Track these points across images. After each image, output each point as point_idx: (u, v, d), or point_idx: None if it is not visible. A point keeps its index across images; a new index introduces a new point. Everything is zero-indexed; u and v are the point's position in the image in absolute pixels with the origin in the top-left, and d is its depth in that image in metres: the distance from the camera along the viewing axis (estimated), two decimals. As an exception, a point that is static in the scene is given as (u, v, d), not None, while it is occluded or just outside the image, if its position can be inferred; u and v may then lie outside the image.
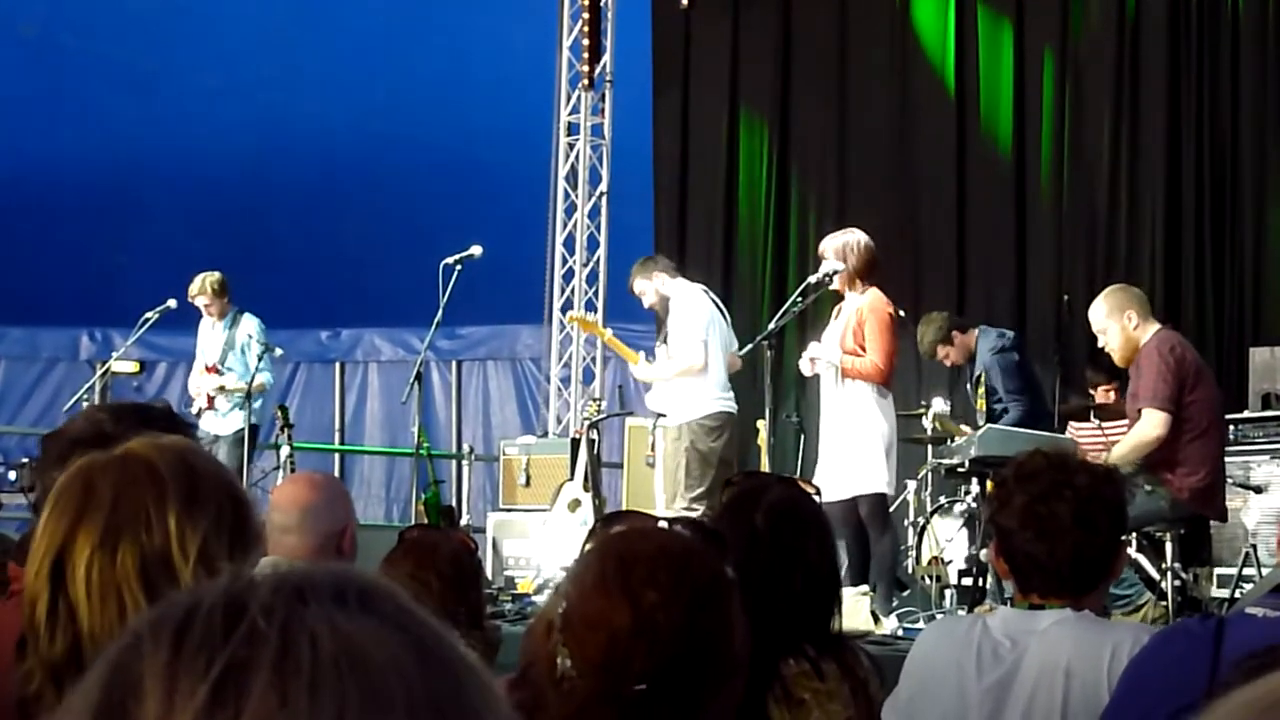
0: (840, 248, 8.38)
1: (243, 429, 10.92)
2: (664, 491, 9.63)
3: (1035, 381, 10.15)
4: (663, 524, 2.41)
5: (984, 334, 10.21)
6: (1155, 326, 7.48)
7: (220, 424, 10.93)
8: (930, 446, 10.30)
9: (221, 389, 10.93)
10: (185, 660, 0.85)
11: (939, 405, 9.26)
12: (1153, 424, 7.25)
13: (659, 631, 2.12)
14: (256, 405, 11.06)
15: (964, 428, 9.55)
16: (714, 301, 9.71)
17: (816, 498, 3.42)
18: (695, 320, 9.45)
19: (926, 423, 8.98)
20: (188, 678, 0.85)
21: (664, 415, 9.58)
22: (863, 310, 8.29)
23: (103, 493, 2.12)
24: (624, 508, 11.05)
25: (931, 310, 10.99)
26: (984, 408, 9.87)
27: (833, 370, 8.35)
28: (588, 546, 2.31)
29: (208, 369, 11.08)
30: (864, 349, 8.24)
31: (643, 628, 2.12)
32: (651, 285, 9.65)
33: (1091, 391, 10.07)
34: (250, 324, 11.16)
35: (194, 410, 10.89)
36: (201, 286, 11.10)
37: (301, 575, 0.91)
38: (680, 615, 2.14)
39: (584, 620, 2.14)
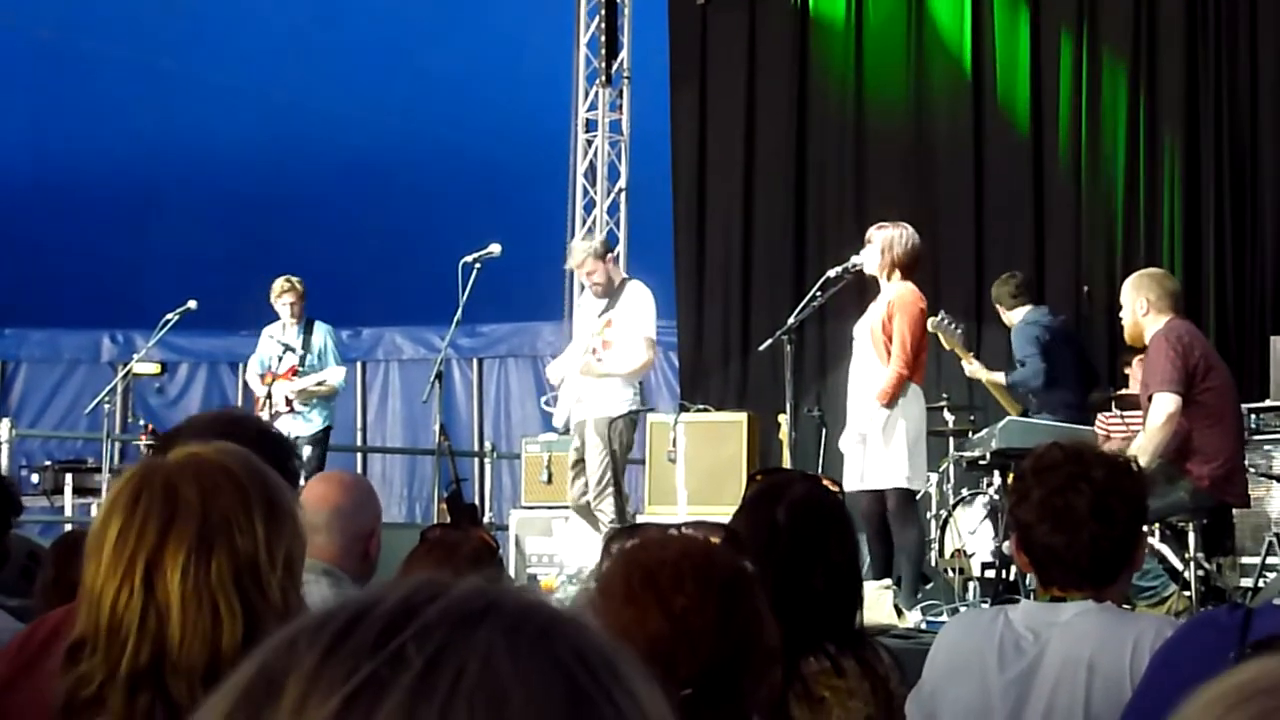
0: (888, 237, 8.42)
1: (322, 429, 11.14)
2: (586, 487, 9.66)
3: (1061, 365, 10.08)
4: (673, 530, 2.41)
5: (1031, 310, 10.28)
6: (1167, 318, 7.46)
7: (301, 426, 11.01)
8: (951, 439, 10.31)
9: (303, 391, 11.01)
10: (330, 666, 0.86)
11: (947, 321, 9.24)
12: (1161, 407, 7.23)
13: (695, 634, 2.13)
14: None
15: (971, 357, 9.88)
16: None
17: (839, 494, 3.42)
18: (650, 319, 9.63)
19: (931, 325, 8.93)
20: (328, 683, 0.85)
21: (579, 403, 9.57)
22: (893, 303, 8.31)
23: (189, 498, 2.11)
24: (646, 504, 11.06)
25: (953, 302, 11.00)
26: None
27: (867, 360, 8.38)
28: (605, 563, 2.30)
29: (280, 374, 11.13)
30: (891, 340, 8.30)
31: (679, 633, 2.13)
32: (604, 269, 9.70)
33: (1127, 371, 10.08)
34: (325, 329, 11.35)
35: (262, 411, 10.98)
36: (290, 285, 11.25)
37: (489, 596, 0.90)
38: (713, 615, 2.15)
39: (618, 634, 2.13)
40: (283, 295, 11.24)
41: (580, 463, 9.68)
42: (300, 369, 11.09)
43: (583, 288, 9.88)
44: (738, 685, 2.15)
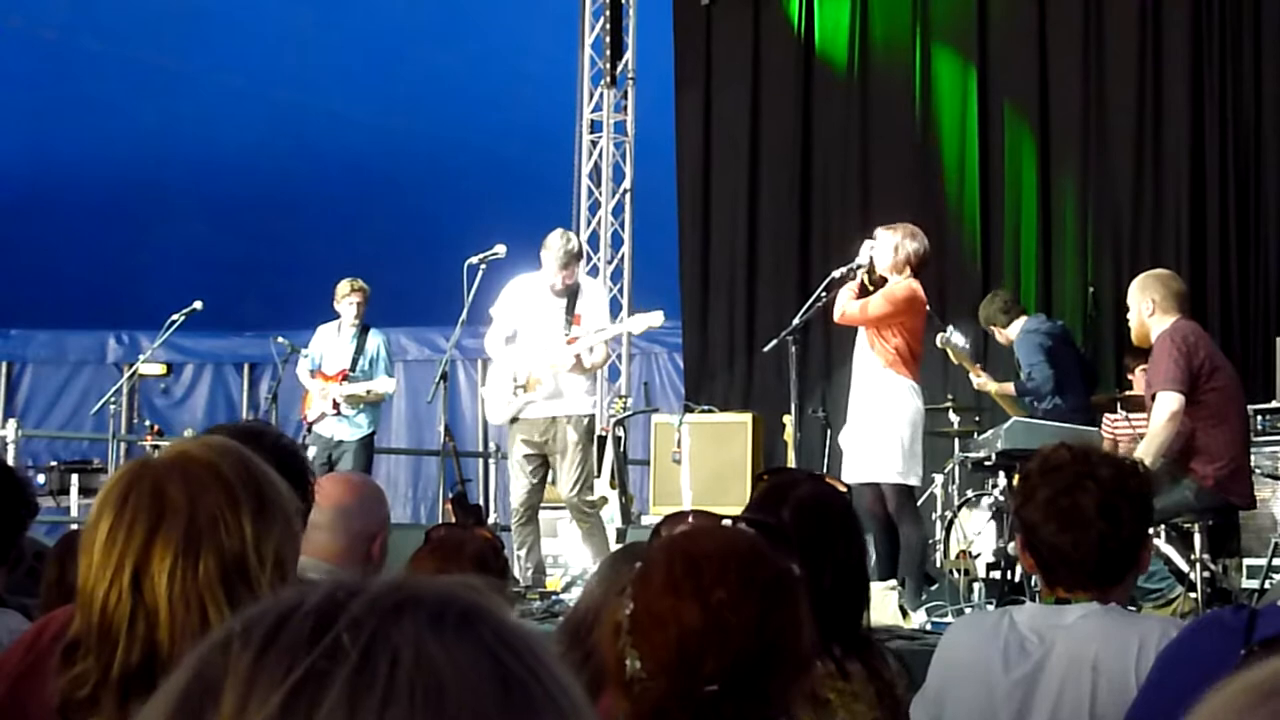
0: (897, 238, 8.40)
1: (367, 433, 11.15)
2: (535, 488, 9.56)
3: (1066, 370, 10.13)
4: (726, 522, 2.40)
5: (1030, 319, 10.33)
6: (1173, 318, 7.45)
7: (347, 430, 11.02)
8: (956, 440, 10.31)
9: (352, 396, 11.01)
10: (267, 665, 0.87)
11: (955, 336, 9.31)
12: (1165, 405, 7.21)
13: (729, 630, 2.12)
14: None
15: (979, 369, 9.94)
16: None
17: (846, 494, 3.41)
18: (608, 316, 9.59)
19: (939, 342, 9.02)
20: (266, 682, 0.86)
21: (531, 402, 9.45)
22: (891, 297, 8.28)
23: (176, 499, 2.09)
24: (651, 504, 11.06)
25: (959, 304, 11.02)
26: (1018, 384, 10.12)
27: (867, 356, 8.36)
28: (653, 546, 2.30)
29: (330, 376, 11.13)
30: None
31: (712, 627, 2.12)
32: (575, 271, 9.64)
33: (1130, 377, 10.11)
34: (379, 336, 11.35)
35: (309, 416, 11.00)
36: (357, 286, 11.27)
37: (407, 588, 0.91)
38: (750, 613, 2.14)
39: (653, 621, 2.13)
40: (349, 295, 11.26)
41: (541, 462, 9.49)
42: (351, 373, 11.09)
43: (532, 274, 9.74)
44: (765, 687, 2.14)
